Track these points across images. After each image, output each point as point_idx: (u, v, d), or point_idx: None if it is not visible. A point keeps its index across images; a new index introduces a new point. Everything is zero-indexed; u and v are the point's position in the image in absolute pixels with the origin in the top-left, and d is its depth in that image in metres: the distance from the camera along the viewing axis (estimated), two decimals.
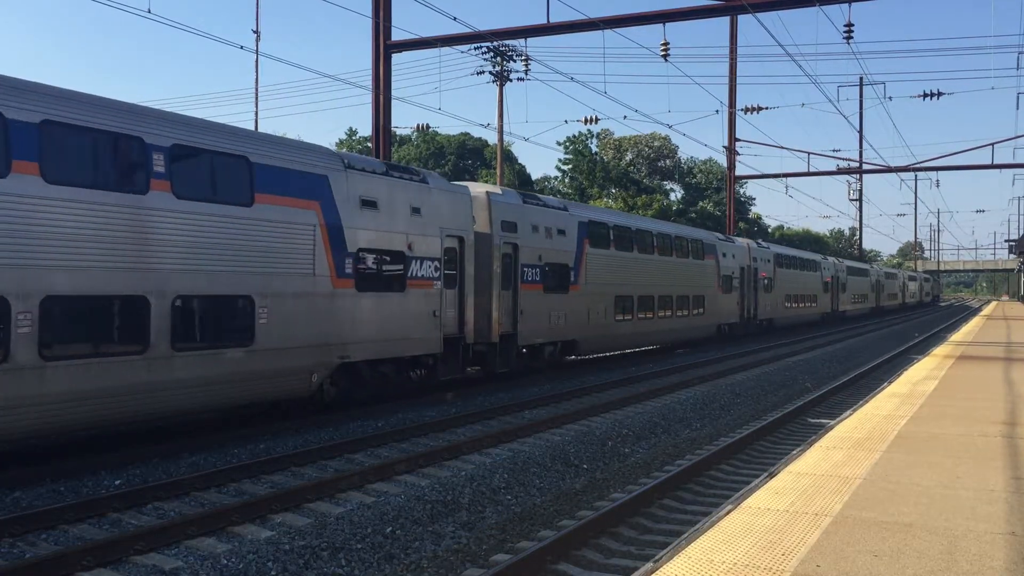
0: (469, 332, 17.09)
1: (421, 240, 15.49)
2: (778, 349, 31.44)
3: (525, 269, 19.10)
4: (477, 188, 18.57)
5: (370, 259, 14.30)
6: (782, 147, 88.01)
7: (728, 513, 5.96)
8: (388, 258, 14.74)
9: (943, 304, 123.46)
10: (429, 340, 15.80)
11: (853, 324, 52.61)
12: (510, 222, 18.74)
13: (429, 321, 15.69)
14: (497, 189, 19.19)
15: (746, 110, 43.52)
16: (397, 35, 25.89)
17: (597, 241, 22.67)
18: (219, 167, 11.93)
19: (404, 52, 26.59)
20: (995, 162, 50.08)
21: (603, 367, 23.66)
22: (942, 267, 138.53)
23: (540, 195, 21.36)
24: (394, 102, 26.60)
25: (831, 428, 9.66)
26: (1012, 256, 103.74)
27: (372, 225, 14.33)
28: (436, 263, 15.86)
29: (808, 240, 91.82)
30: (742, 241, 37.09)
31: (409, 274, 15.21)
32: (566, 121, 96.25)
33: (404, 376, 15.71)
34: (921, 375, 15.38)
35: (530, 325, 19.25)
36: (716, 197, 76.19)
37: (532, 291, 19.36)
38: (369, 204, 14.27)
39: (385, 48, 25.40)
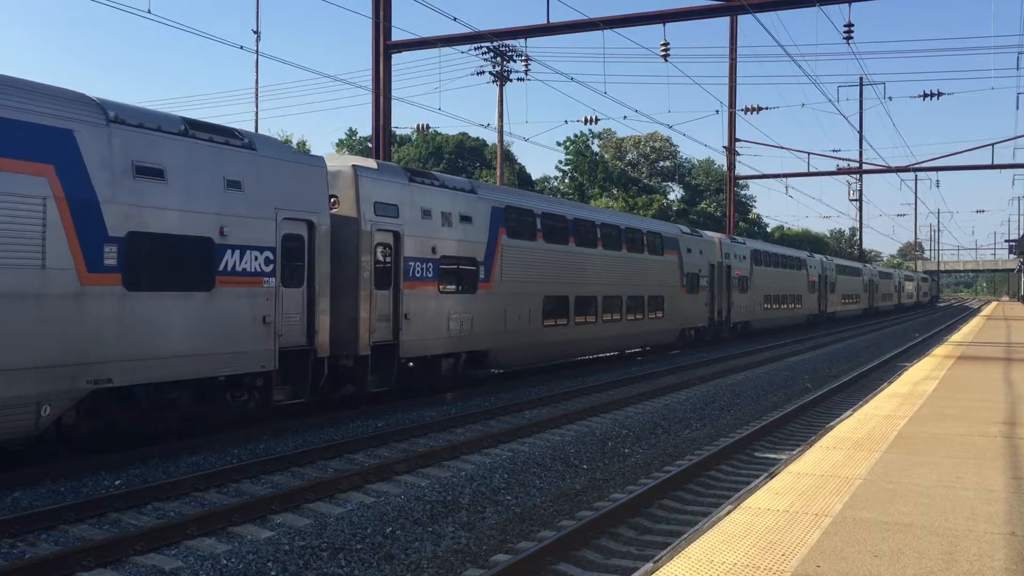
0: (323, 343, 13.44)
1: (241, 224, 11.97)
2: (757, 354, 28.73)
3: (412, 263, 15.50)
4: (339, 160, 15.05)
5: (151, 246, 10.85)
6: (782, 147, 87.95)
7: (728, 513, 5.96)
8: (184, 246, 11.26)
9: (942, 305, 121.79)
10: (255, 354, 12.13)
11: (844, 327, 49.58)
12: (389, 204, 15.09)
13: (255, 329, 12.13)
14: (371, 163, 15.46)
15: (746, 110, 43.55)
16: (397, 35, 25.91)
17: (519, 231, 19.14)
18: None
19: (404, 52, 26.61)
20: (995, 162, 50.06)
21: (603, 368, 23.63)
22: (942, 267, 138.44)
23: (440, 174, 17.55)
24: (394, 102, 26.61)
25: (831, 428, 9.66)
26: (1012, 256, 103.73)
27: (156, 201, 10.86)
28: (268, 254, 12.34)
29: (808, 240, 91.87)
30: (711, 235, 33.35)
31: (221, 267, 11.71)
32: (566, 121, 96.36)
33: (217, 402, 12.19)
34: (921, 375, 15.38)
35: (418, 332, 15.61)
36: (717, 198, 76.24)
37: (422, 290, 15.74)
38: (151, 173, 10.83)
39: (385, 48, 25.40)
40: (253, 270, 12.18)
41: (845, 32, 23.21)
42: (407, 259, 15.45)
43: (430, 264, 16.09)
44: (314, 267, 13.30)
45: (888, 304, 74.61)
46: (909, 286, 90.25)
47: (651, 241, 26.24)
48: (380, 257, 14.99)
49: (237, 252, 11.97)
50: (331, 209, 13.95)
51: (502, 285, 18.32)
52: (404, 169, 16.33)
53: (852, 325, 52.05)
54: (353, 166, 14.71)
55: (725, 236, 35.46)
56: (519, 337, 18.99)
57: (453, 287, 16.76)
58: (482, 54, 37.63)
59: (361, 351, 14.39)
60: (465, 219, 17.19)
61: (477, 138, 75.65)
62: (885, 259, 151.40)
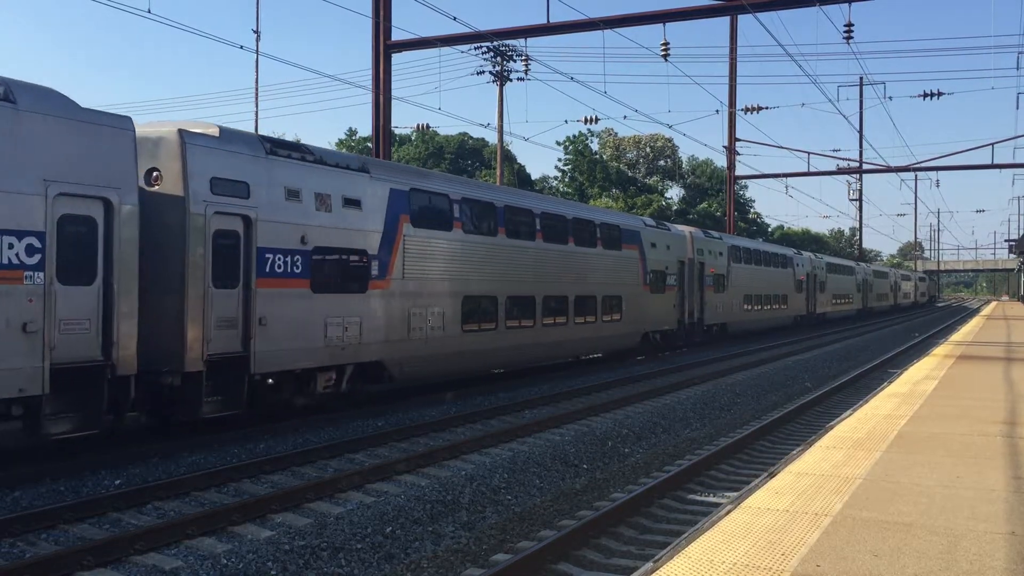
0: (127, 357, 10.50)
1: None
2: (757, 355, 27.99)
3: (271, 256, 12.60)
4: (164, 126, 12.07)
5: None
6: (782, 147, 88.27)
7: (728, 513, 5.96)
8: None
9: (940, 305, 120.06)
10: (8, 374, 9.34)
11: (835, 328, 47.00)
12: (234, 181, 12.21)
13: (7, 340, 9.33)
14: (211, 128, 12.46)
15: (746, 110, 43.56)
16: (397, 35, 25.93)
17: (428, 219, 16.08)
18: None
19: (404, 52, 26.61)
20: (995, 162, 50.03)
21: (603, 368, 23.62)
22: (942, 267, 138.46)
23: (319, 148, 14.52)
24: (394, 102, 26.61)
25: (831, 428, 9.66)
26: (1012, 256, 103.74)
27: None
28: (31, 241, 9.56)
29: (808, 240, 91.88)
30: (681, 229, 30.37)
31: None
32: (566, 121, 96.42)
33: None
34: (921, 375, 15.38)
35: (281, 341, 12.64)
36: (718, 198, 76.26)
37: (287, 289, 12.85)
38: None
39: (385, 48, 25.40)
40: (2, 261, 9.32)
41: (845, 32, 23.22)
42: (263, 250, 12.46)
43: (298, 257, 13.08)
44: (112, 259, 10.40)
45: (883, 304, 71.89)
46: (906, 286, 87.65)
47: (606, 234, 22.93)
48: (221, 248, 11.96)
49: None
50: (152, 186, 11.49)
51: (404, 283, 15.29)
52: (261, 139, 13.18)
53: (843, 327, 49.02)
54: (179, 131, 11.72)
55: (698, 230, 32.40)
56: (429, 345, 15.86)
57: (333, 285, 13.77)
58: (482, 54, 37.66)
59: (190, 366, 11.38)
60: (351, 203, 14.19)
61: (479, 138, 75.69)
62: (885, 259, 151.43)
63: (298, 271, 13.14)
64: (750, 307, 35.85)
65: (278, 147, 13.25)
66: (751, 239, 47.79)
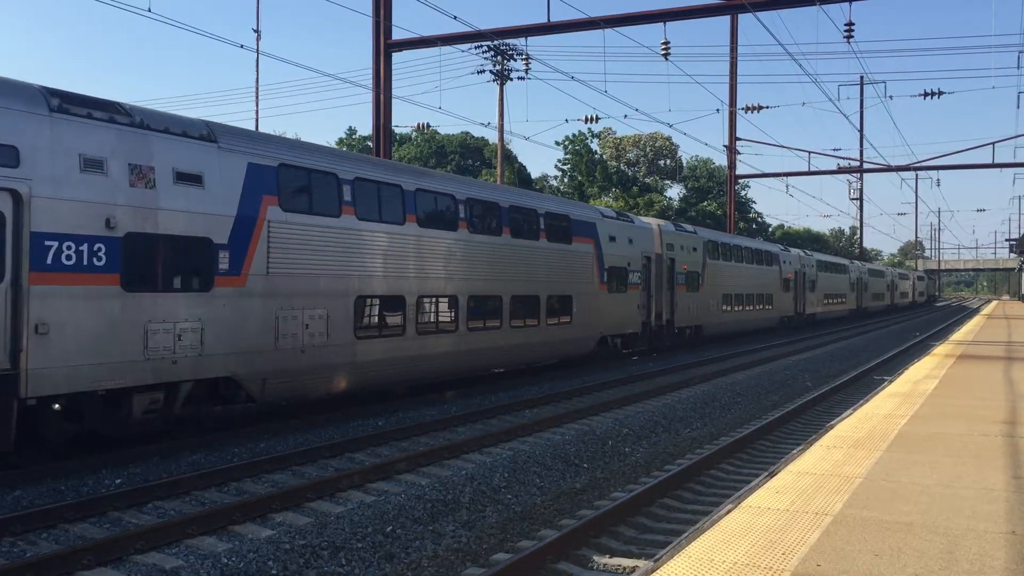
0: None
1: None
2: (756, 354, 27.26)
3: (57, 243, 9.86)
4: None
5: None
6: (782, 146, 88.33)
7: (728, 512, 5.96)
8: None
9: (940, 305, 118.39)
10: None
11: (829, 329, 44.60)
12: None
13: None
14: None
15: (746, 109, 43.54)
16: (397, 34, 25.88)
17: (305, 202, 13.41)
18: None
19: (404, 51, 26.61)
20: (995, 161, 50.12)
21: (603, 368, 23.61)
22: (943, 266, 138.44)
23: (139, 107, 11.51)
24: (394, 101, 26.63)
25: (832, 427, 9.66)
26: (1012, 255, 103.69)
27: None
28: None
29: (809, 239, 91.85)
30: (648, 221, 27.43)
31: None
32: (567, 120, 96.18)
33: None
34: (921, 374, 15.38)
35: (70, 355, 9.97)
36: (718, 198, 76.25)
37: (82, 287, 10.13)
38: None
39: (385, 47, 25.40)
40: None
41: (846, 31, 23.21)
42: (42, 236, 9.71)
43: (101, 245, 10.35)
44: None
45: (879, 304, 69.25)
46: (903, 285, 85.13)
47: (553, 225, 20.12)
48: None
49: None
50: None
51: (269, 280, 12.51)
52: (45, 92, 10.24)
53: (834, 328, 46.59)
54: None
55: (668, 223, 29.56)
56: (307, 357, 13.14)
57: (157, 282, 11.08)
58: (482, 53, 37.66)
59: None
60: (188, 178, 11.44)
61: (480, 137, 75.69)
62: (886, 258, 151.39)
63: (101, 263, 10.32)
64: (729, 308, 33.07)
65: (71, 103, 10.36)
66: (731, 234, 44.53)
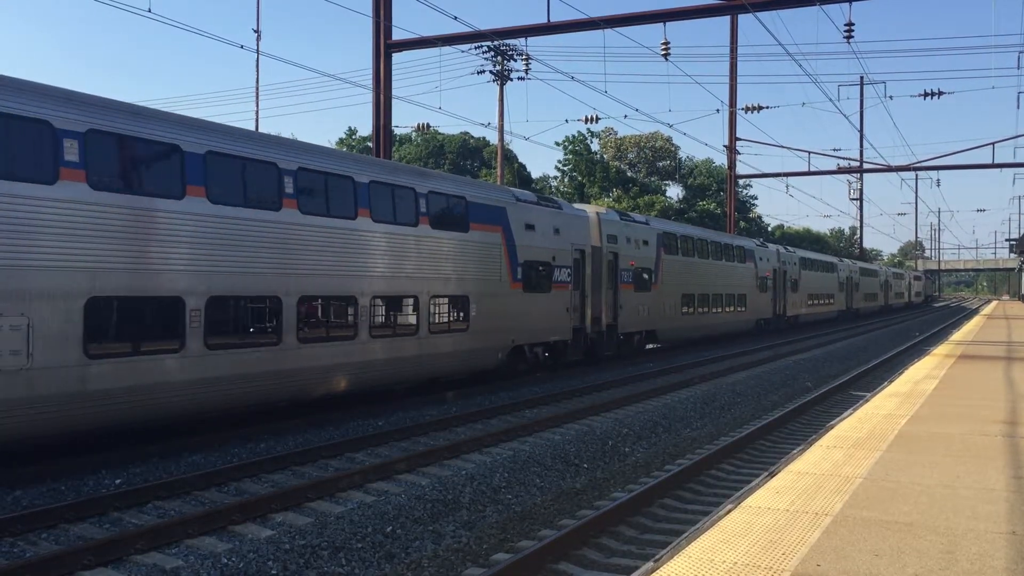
0: None
1: None
2: (755, 355, 26.09)
3: None
4: None
5: None
6: (782, 146, 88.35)
7: (728, 512, 5.96)
8: None
9: (938, 305, 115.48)
10: None
11: (809, 333, 40.53)
12: None
13: None
14: None
15: (746, 109, 43.52)
16: (397, 34, 25.92)
17: (110, 173, 10.47)
18: None
19: (404, 51, 26.61)
20: (995, 161, 50.09)
21: (603, 368, 23.60)
22: (943, 266, 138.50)
23: None
24: (394, 101, 26.63)
25: (832, 427, 9.66)
26: (1012, 255, 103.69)
27: None
28: None
29: (809, 239, 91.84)
30: (584, 208, 23.33)
31: None
32: (567, 120, 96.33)
33: None
34: (921, 374, 15.38)
35: None
36: (717, 198, 76.26)
37: None
38: None
39: (385, 47, 25.40)
40: None
41: (846, 31, 23.22)
42: None
43: None
44: None
45: (871, 306, 65.43)
46: (899, 284, 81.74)
47: (438, 208, 16.19)
48: None
49: None
50: None
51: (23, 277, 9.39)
52: None
53: (818, 332, 42.28)
54: None
55: (611, 211, 25.88)
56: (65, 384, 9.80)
57: None
58: (482, 53, 37.66)
59: None
60: None
61: (480, 138, 75.70)
62: (886, 258, 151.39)
63: None
64: (691, 310, 29.28)
65: None
66: (695, 226, 40.75)
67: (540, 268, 19.62)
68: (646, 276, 25.50)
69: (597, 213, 23.31)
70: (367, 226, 14.42)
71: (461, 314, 16.90)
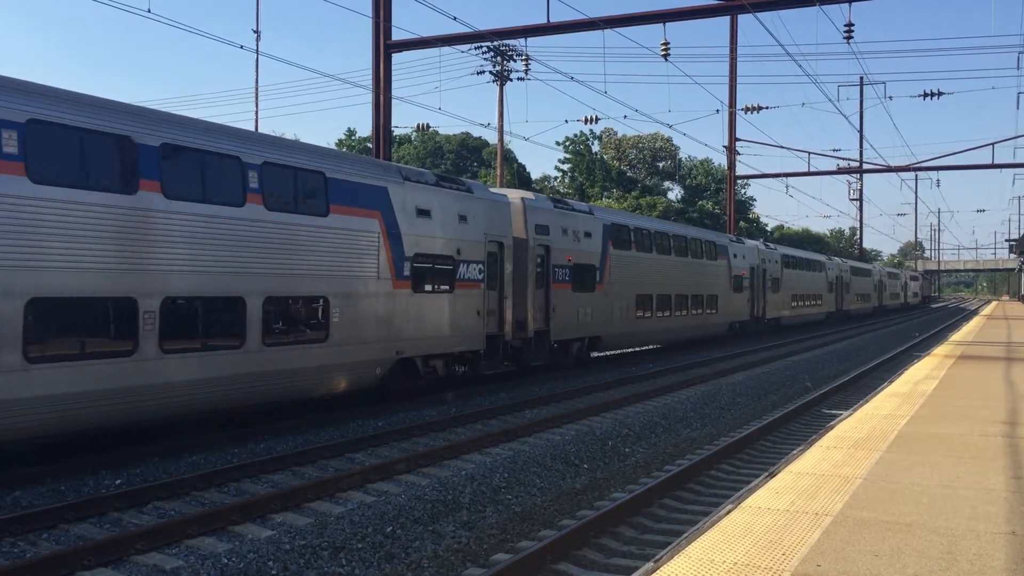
0: None
1: None
2: (756, 355, 25.70)
3: None
4: None
5: None
6: (782, 147, 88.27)
7: (728, 513, 5.96)
8: None
9: (936, 306, 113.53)
10: None
11: (791, 338, 37.01)
12: None
13: None
14: None
15: (746, 110, 43.55)
16: (397, 35, 25.93)
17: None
18: None
19: (404, 52, 26.60)
20: (995, 162, 50.10)
21: (603, 368, 23.60)
22: (943, 267, 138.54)
23: None
24: (394, 102, 26.62)
25: (831, 428, 9.66)
26: (1012, 255, 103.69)
27: None
28: None
29: (808, 240, 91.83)
30: (506, 192, 19.93)
31: None
32: (566, 121, 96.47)
33: None
34: (921, 375, 15.38)
35: None
36: (715, 197, 76.29)
37: None
38: None
39: (385, 48, 25.40)
40: None
41: (845, 32, 23.22)
42: None
43: None
44: None
45: (864, 307, 62.26)
46: (894, 285, 78.64)
47: (279, 184, 12.84)
48: None
49: None
50: None
51: None
52: None
53: (801, 336, 38.99)
54: None
55: (542, 196, 22.36)
56: None
57: None
58: (482, 54, 37.72)
59: None
60: None
61: (479, 138, 75.74)
62: (886, 258, 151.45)
63: None
64: (647, 313, 25.66)
65: None
66: (654, 218, 37.02)
67: (439, 263, 16.12)
68: (589, 274, 22.13)
69: (522, 199, 19.91)
70: (157, 204, 10.86)
71: (315, 321, 13.36)
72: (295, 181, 13.28)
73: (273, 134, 19.06)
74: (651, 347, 28.70)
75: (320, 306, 13.49)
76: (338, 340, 13.70)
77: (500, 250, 18.23)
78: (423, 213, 15.73)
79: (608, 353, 25.18)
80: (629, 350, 27.06)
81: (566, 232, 21.15)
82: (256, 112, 32.29)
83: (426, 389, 16.46)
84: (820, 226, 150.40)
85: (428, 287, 15.89)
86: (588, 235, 22.23)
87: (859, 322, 55.51)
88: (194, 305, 11.45)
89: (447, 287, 16.41)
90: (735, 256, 33.98)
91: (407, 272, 15.26)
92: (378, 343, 14.62)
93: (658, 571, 4.78)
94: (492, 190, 19.50)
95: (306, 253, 13.18)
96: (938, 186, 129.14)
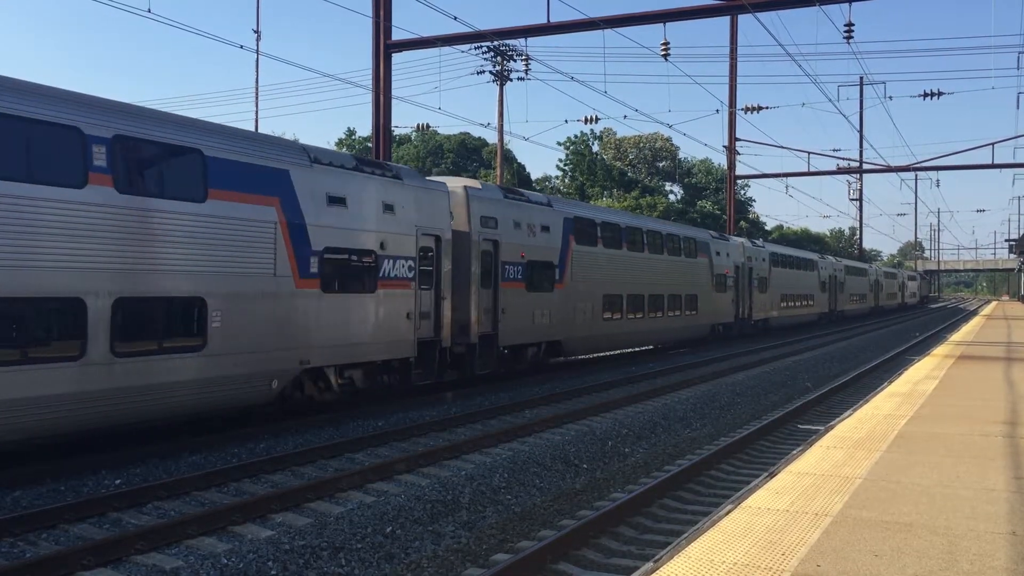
0: None
1: None
2: (756, 355, 25.70)
3: None
4: None
5: None
6: (782, 147, 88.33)
7: (728, 513, 5.96)
8: None
9: (935, 306, 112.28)
10: None
11: (781, 340, 35.52)
12: None
13: None
14: None
15: (746, 110, 43.54)
16: (397, 35, 25.94)
17: None
18: None
19: (404, 52, 26.61)
20: (995, 162, 50.08)
21: (604, 367, 23.62)
22: (942, 267, 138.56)
23: None
24: (394, 102, 26.62)
25: (831, 428, 9.66)
26: (1012, 255, 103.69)
27: None
28: None
29: (808, 240, 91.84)
30: (445, 181, 17.53)
31: None
32: (566, 121, 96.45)
33: None
34: (921, 375, 15.38)
35: None
36: (715, 197, 76.32)
37: None
38: None
39: (385, 48, 25.40)
40: None
41: (845, 32, 23.22)
42: None
43: None
44: None
45: (859, 307, 60.43)
46: (891, 285, 76.65)
47: (131, 159, 10.81)
48: None
49: None
50: None
51: None
52: None
53: (792, 338, 37.39)
54: None
55: (490, 185, 20.53)
56: None
57: None
58: (482, 53, 37.71)
59: None
60: None
61: (479, 138, 75.75)
62: (885, 258, 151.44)
63: None
64: (615, 315, 23.66)
65: None
66: (626, 212, 34.41)
67: (357, 259, 14.25)
68: (547, 272, 20.23)
69: (465, 187, 17.86)
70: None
71: (188, 326, 11.41)
72: (160, 159, 11.23)
73: (278, 134, 19.02)
74: (617, 352, 26.34)
75: (195, 309, 11.40)
76: (219, 349, 11.65)
77: (437, 245, 16.19)
78: (337, 201, 13.74)
79: (573, 358, 22.90)
80: (620, 352, 27.04)
81: (519, 225, 19.23)
82: (256, 112, 32.40)
83: (343, 401, 14.64)
84: (820, 226, 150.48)
85: (343, 287, 13.91)
86: (546, 229, 20.34)
87: (856, 323, 55.00)
88: (15, 309, 9.31)
89: (368, 287, 14.46)
90: (718, 254, 32.15)
91: (314, 269, 13.25)
92: (275, 352, 12.62)
93: (658, 571, 4.77)
94: (433, 179, 17.41)
95: (175, 246, 11.10)
96: (938, 186, 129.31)
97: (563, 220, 21.17)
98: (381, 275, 14.70)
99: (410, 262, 15.37)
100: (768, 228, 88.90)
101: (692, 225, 46.32)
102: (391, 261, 14.93)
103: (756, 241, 40.30)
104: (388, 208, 14.88)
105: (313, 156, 13.62)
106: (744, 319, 35.01)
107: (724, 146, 48.58)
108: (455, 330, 16.93)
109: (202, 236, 11.45)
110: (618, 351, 25.97)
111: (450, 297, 16.61)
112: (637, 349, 27.75)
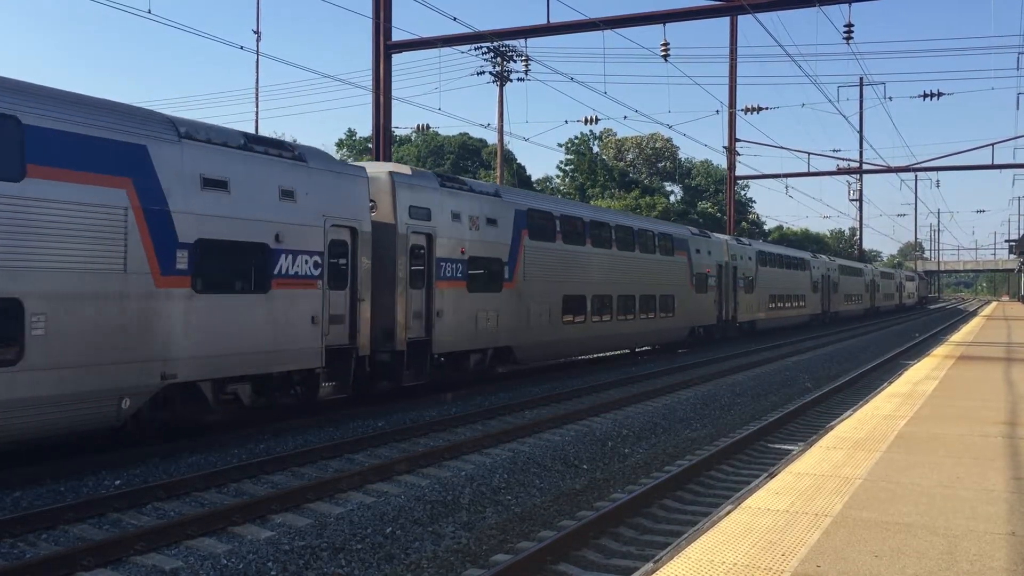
0: None
1: None
2: (756, 355, 25.66)
3: None
4: None
5: None
6: (782, 147, 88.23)
7: (728, 513, 5.96)
8: None
9: (934, 307, 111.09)
10: None
11: (767, 343, 33.70)
12: None
13: None
14: None
15: (746, 110, 43.58)
16: (397, 35, 25.92)
17: None
18: None
19: (404, 52, 26.64)
20: (995, 162, 50.09)
21: (603, 367, 23.61)
22: (942, 267, 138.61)
23: None
24: (394, 102, 26.62)
25: (831, 428, 9.66)
26: (1012, 256, 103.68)
27: None
28: None
29: (808, 240, 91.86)
30: (368, 167, 15.27)
31: None
32: (566, 121, 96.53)
33: None
34: (921, 375, 15.38)
35: None
36: (715, 199, 76.37)
37: None
38: None
39: (385, 48, 25.42)
40: None
41: (845, 32, 23.24)
42: None
43: None
44: None
45: (854, 308, 58.39)
46: (888, 285, 74.42)
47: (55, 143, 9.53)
48: None
49: None
50: None
51: None
52: None
53: (780, 340, 35.67)
54: None
55: (423, 171, 17.57)
56: None
57: None
58: (482, 54, 37.66)
59: None
60: None
61: (479, 139, 75.80)
62: (885, 259, 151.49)
63: None
64: (577, 318, 21.50)
65: None
66: (591, 206, 32.21)
67: (242, 253, 12.06)
68: (494, 270, 18.12)
69: (390, 173, 15.51)
70: None
71: (7, 336, 9.20)
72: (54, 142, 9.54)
73: (277, 135, 18.86)
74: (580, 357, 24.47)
75: (7, 314, 9.14)
76: (42, 362, 9.39)
77: (352, 238, 13.96)
78: (215, 184, 11.53)
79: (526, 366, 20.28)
80: (620, 352, 27.04)
81: (458, 217, 16.91)
82: (256, 112, 32.35)
83: (225, 423, 12.51)
84: (820, 227, 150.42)
85: (223, 286, 11.72)
86: (492, 222, 18.01)
87: (853, 324, 53.92)
88: None
89: (258, 286, 12.24)
90: (698, 251, 29.87)
91: (183, 265, 11.02)
92: (125, 364, 10.32)
93: (658, 572, 4.78)
94: (359, 163, 15.55)
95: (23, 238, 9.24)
96: (938, 186, 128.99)
97: (514, 213, 18.85)
98: (276, 272, 12.46)
99: (316, 258, 13.14)
100: (768, 229, 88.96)
101: (692, 226, 46.08)
102: (290, 256, 12.69)
103: (742, 239, 38.58)
104: (287, 194, 12.67)
105: (184, 131, 11.35)
106: (728, 321, 33.13)
107: (724, 147, 48.60)
108: (377, 336, 14.75)
109: (18, 224, 9.21)
110: (587, 356, 24.50)
111: (369, 298, 14.37)
112: (623, 351, 26.64)
